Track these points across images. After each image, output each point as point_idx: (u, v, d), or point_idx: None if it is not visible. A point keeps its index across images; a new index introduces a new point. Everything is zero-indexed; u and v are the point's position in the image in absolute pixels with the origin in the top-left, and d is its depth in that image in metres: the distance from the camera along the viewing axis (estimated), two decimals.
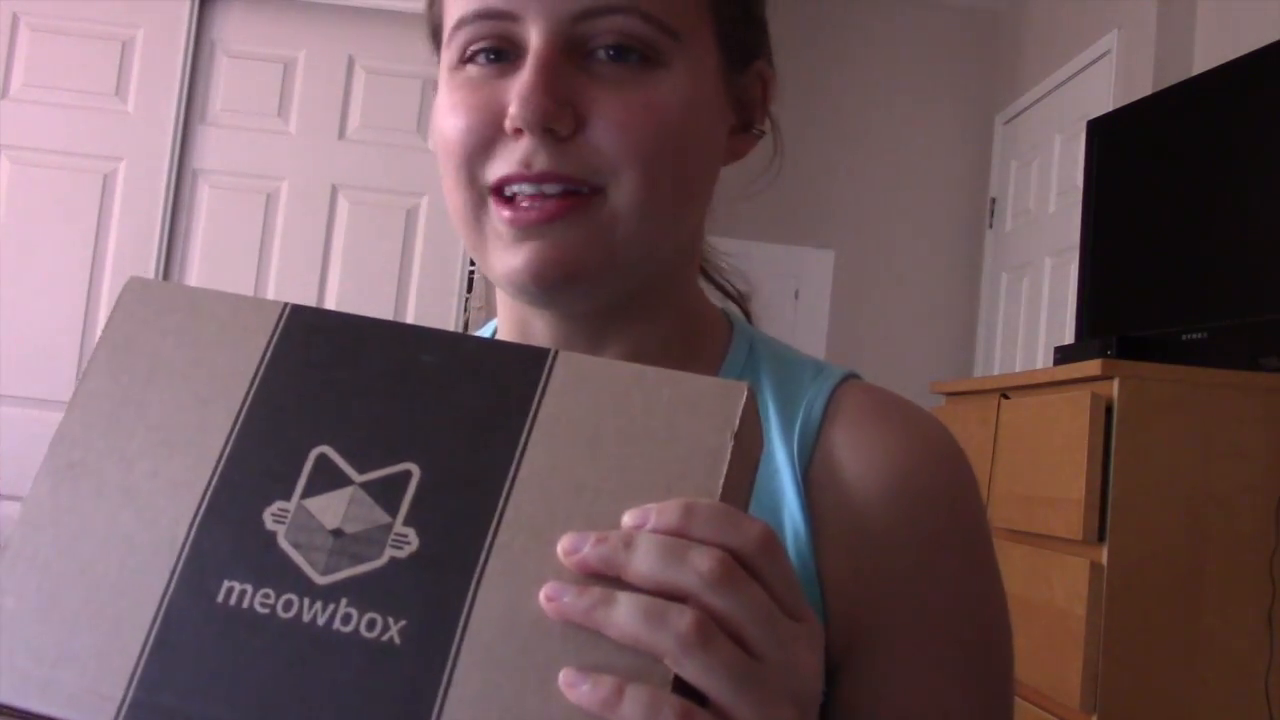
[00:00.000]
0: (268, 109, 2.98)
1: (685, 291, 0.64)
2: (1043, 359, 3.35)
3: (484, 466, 0.41)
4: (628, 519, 0.39)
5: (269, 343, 0.45)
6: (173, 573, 0.41)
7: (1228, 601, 1.77)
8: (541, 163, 0.53)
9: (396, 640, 0.39)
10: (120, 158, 2.91)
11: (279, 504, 0.41)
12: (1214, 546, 1.78)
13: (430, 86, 0.59)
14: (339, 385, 0.43)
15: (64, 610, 0.41)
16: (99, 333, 0.48)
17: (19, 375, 2.81)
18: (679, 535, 0.38)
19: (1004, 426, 2.16)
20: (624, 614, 0.37)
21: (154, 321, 0.46)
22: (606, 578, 0.38)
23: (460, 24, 0.56)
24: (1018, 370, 3.46)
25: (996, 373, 3.68)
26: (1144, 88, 2.78)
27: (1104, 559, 1.77)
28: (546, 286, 0.54)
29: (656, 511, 0.38)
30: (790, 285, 3.97)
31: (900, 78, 4.06)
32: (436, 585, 0.39)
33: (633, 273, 0.57)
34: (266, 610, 0.40)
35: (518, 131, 0.53)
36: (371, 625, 0.39)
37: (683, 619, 0.36)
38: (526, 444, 0.41)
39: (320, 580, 0.40)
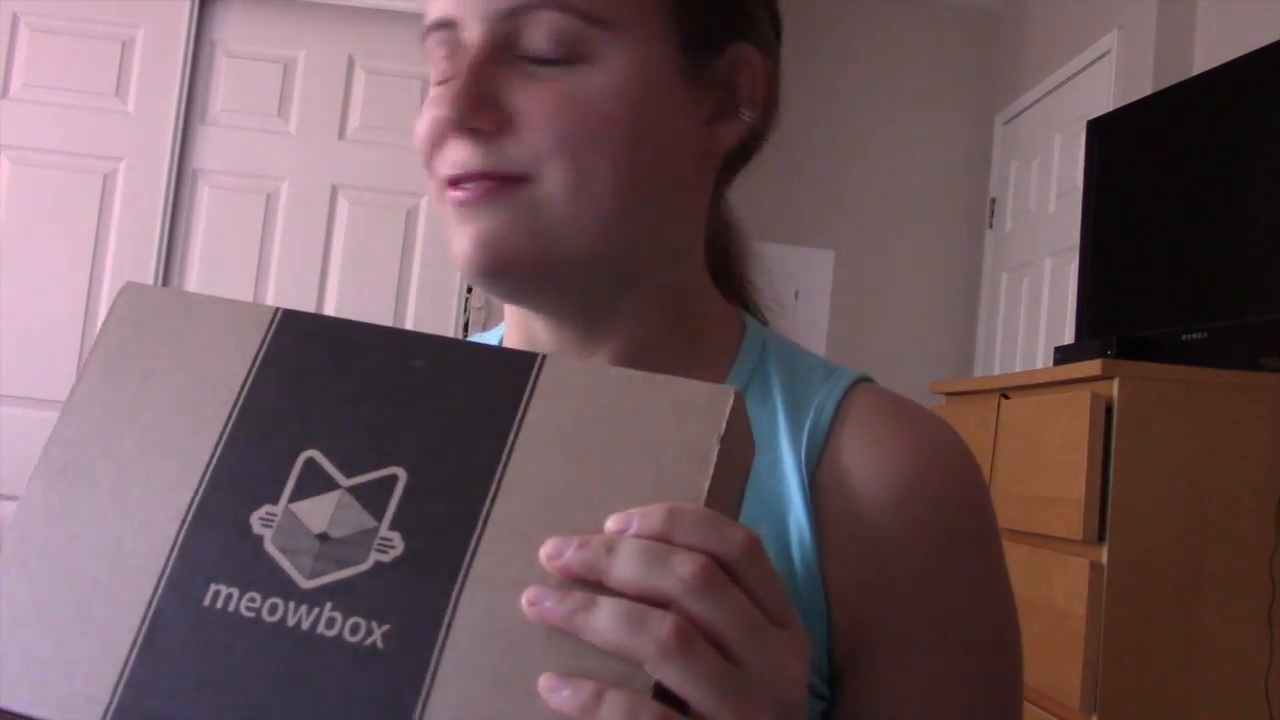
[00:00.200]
0: (268, 109, 2.98)
1: (686, 291, 0.63)
2: (1043, 359, 3.35)
3: (470, 471, 0.41)
4: (611, 524, 0.39)
5: (260, 347, 0.45)
6: (161, 576, 0.41)
7: (1227, 601, 1.76)
8: (466, 160, 0.55)
9: (380, 644, 0.39)
10: (120, 158, 2.92)
11: (267, 508, 0.42)
12: (1214, 546, 1.77)
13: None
14: (329, 389, 0.44)
15: (55, 613, 0.41)
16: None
17: (19, 375, 2.81)
18: (662, 540, 0.38)
19: (1004, 426, 2.16)
20: (604, 619, 0.37)
21: (147, 327, 0.47)
22: (590, 583, 0.38)
23: (424, 38, 0.59)
24: (1018, 370, 3.46)
25: (996, 373, 3.68)
26: (1144, 88, 2.77)
27: (1104, 559, 1.77)
28: (482, 270, 0.56)
29: (640, 516, 0.38)
30: (790, 285, 3.96)
31: (900, 78, 4.05)
32: (420, 590, 0.39)
33: (580, 265, 0.57)
34: (252, 614, 0.40)
35: (454, 133, 0.56)
36: (355, 629, 0.39)
37: (663, 625, 0.36)
38: (513, 449, 0.41)
39: (305, 584, 0.40)
